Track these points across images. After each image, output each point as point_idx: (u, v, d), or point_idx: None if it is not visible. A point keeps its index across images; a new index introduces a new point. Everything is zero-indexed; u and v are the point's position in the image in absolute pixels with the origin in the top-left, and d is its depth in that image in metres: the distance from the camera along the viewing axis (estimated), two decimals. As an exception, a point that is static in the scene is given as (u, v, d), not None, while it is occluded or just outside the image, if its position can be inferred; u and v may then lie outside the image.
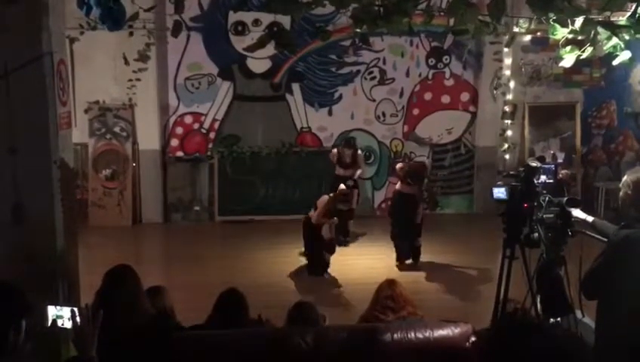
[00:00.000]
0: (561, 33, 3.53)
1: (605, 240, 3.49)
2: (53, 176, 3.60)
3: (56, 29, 3.64)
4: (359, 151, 8.57)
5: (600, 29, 3.27)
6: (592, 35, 3.48)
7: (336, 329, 3.65)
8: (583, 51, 3.64)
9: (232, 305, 3.90)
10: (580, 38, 3.67)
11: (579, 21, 3.29)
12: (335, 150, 8.61)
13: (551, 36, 3.65)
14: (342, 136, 10.12)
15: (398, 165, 7.94)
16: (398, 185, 7.80)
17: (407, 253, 7.55)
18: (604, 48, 3.60)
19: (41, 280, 3.44)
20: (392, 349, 3.36)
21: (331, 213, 7.37)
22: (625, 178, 3.34)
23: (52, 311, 2.52)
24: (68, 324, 2.49)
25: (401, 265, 7.47)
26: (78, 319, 2.47)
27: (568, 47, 3.68)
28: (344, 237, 8.35)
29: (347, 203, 7.76)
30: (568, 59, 3.76)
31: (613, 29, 3.23)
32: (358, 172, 8.59)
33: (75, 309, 2.50)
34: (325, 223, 7.26)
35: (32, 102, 3.51)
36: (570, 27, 3.43)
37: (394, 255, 7.61)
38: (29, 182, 3.55)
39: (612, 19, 3.34)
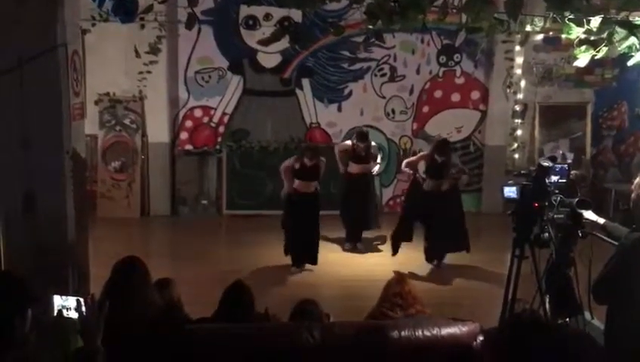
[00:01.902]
0: (576, 32, 3.51)
1: (616, 243, 3.47)
2: (65, 167, 3.62)
3: (71, 20, 3.66)
4: (373, 143, 8.20)
5: (617, 29, 3.24)
6: (607, 35, 3.45)
7: (343, 325, 3.64)
8: (598, 51, 3.61)
9: (238, 299, 3.89)
10: (592, 38, 3.64)
11: (595, 20, 3.26)
12: (349, 142, 8.15)
13: (565, 35, 3.62)
14: (351, 132, 10.12)
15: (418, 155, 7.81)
16: (426, 185, 7.32)
17: (440, 254, 7.40)
18: (620, 48, 3.57)
19: (51, 271, 3.46)
20: (400, 346, 3.35)
21: (299, 174, 7.18)
22: (637, 180, 3.31)
23: (58, 301, 2.52)
24: (74, 314, 2.49)
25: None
26: (83, 309, 2.47)
27: (583, 47, 3.65)
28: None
29: (314, 158, 7.17)
30: (583, 58, 3.74)
31: (631, 28, 3.20)
32: (376, 168, 8.30)
33: (81, 299, 2.50)
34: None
35: (46, 93, 3.53)
36: (586, 26, 3.40)
37: (401, 252, 7.58)
38: (41, 172, 3.57)
39: (629, 19, 3.31)
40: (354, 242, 8.10)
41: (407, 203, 7.81)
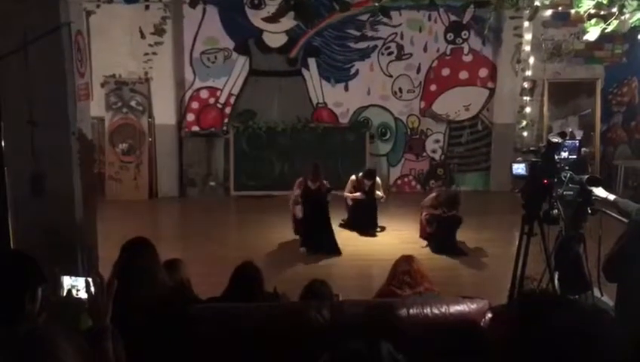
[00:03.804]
0: (586, 5, 3.45)
1: (626, 220, 3.44)
2: (72, 148, 3.61)
3: (74, 0, 3.62)
4: (378, 180, 8.07)
5: (629, 1, 3.18)
6: (618, 8, 3.40)
7: (352, 303, 3.64)
8: (609, 24, 3.55)
9: (247, 279, 3.91)
10: (602, 13, 3.58)
11: (606, -8, 3.20)
12: (353, 177, 8.04)
13: (575, 9, 3.57)
14: (358, 112, 10.08)
15: (432, 195, 7.67)
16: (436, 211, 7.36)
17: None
18: (630, 21, 3.52)
19: (60, 251, 3.47)
20: (408, 324, 3.35)
21: (306, 193, 7.22)
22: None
23: (67, 281, 2.53)
24: (83, 295, 2.51)
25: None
26: (92, 289, 2.48)
27: (593, 20, 3.59)
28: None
29: (317, 179, 7.23)
30: (593, 32, 3.68)
31: (643, -1, 3.14)
32: (381, 195, 8.08)
33: (90, 280, 2.51)
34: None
35: (51, 74, 3.51)
36: (596, -1, 3.35)
37: (408, 231, 7.59)
38: (48, 153, 3.56)
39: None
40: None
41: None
